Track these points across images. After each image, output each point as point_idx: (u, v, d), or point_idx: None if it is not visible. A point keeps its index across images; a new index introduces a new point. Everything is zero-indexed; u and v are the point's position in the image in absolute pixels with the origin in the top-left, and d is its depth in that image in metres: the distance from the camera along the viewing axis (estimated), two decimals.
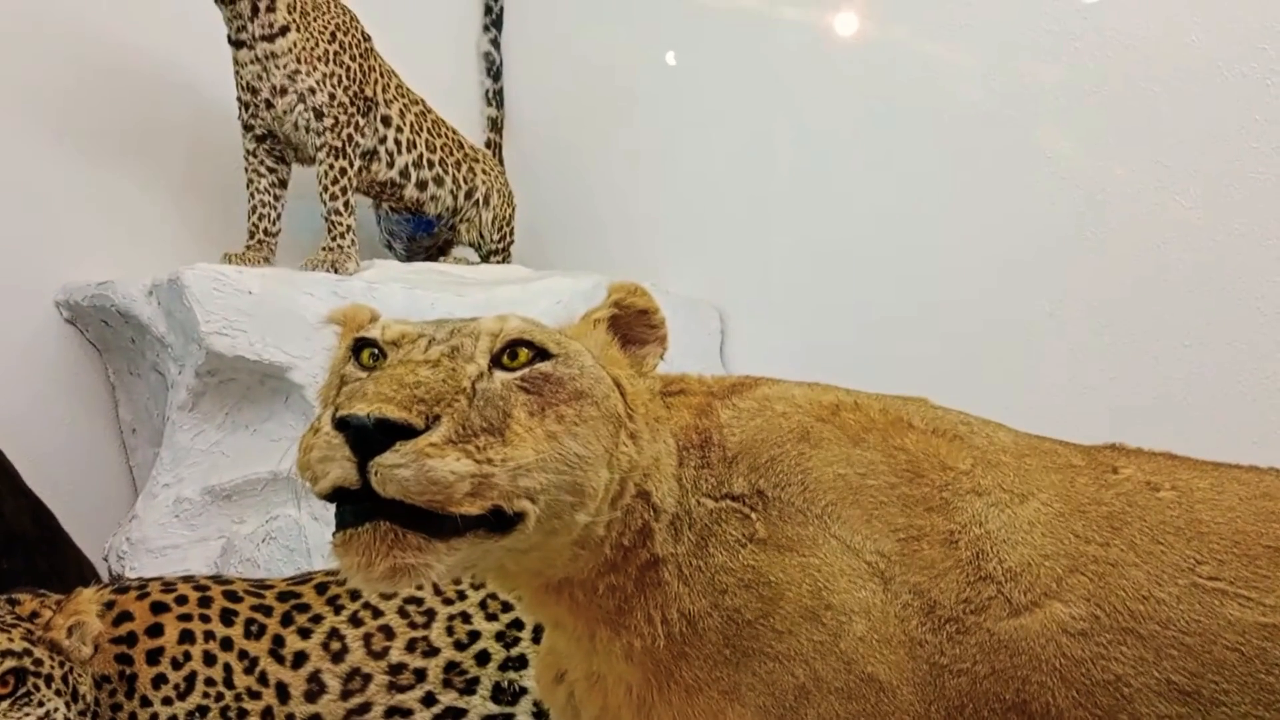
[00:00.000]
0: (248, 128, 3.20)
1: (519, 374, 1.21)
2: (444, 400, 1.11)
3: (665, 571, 1.39)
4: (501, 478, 1.12)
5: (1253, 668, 1.29)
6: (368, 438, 1.06)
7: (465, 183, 3.71)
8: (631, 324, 1.47)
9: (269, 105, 3.13)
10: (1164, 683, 1.30)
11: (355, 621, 2.06)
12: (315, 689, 1.99)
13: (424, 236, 3.76)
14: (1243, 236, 2.71)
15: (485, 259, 3.87)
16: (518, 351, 1.24)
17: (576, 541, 1.30)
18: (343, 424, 1.07)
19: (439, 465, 1.06)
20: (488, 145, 4.27)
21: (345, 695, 2.01)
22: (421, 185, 3.55)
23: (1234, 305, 2.73)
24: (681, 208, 3.92)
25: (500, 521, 1.15)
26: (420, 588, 2.13)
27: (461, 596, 2.16)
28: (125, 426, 3.27)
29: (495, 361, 1.22)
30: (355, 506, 1.10)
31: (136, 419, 3.21)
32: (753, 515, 1.42)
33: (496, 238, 3.83)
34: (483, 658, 2.13)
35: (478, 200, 3.74)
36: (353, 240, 3.21)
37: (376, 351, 1.27)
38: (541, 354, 1.25)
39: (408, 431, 1.07)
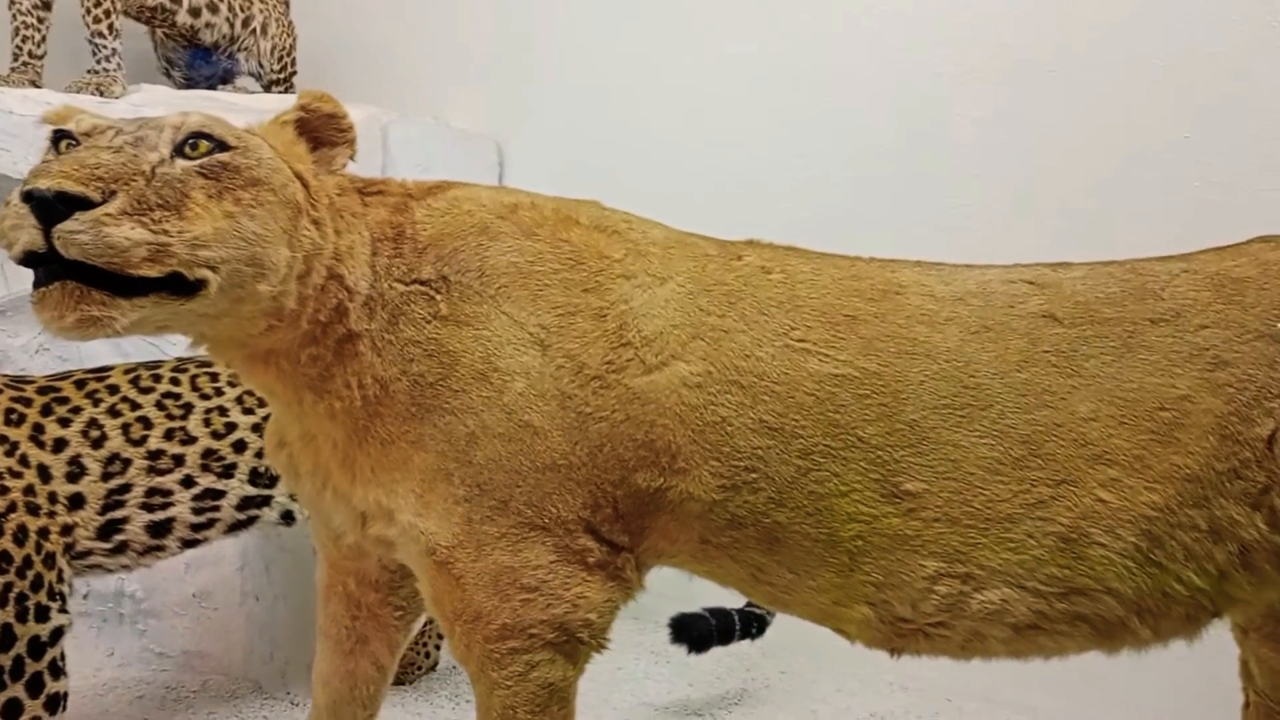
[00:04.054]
0: None
1: (198, 162, 1.41)
2: (121, 180, 1.31)
3: (361, 344, 1.64)
4: (179, 247, 1.33)
5: (824, 408, 1.62)
6: (50, 208, 1.25)
7: (242, 11, 3.72)
8: (321, 128, 1.68)
9: None
10: (758, 421, 1.63)
11: (114, 413, 2.25)
12: (76, 471, 2.18)
13: (202, 65, 3.77)
14: None
15: (267, 89, 3.92)
16: (199, 143, 1.43)
17: (268, 313, 1.53)
18: (28, 196, 1.26)
19: (114, 232, 1.27)
20: None
21: (106, 477, 2.21)
22: (194, 11, 3.56)
23: None
24: (462, 41, 4.02)
25: (183, 286, 1.37)
26: (177, 384, 2.33)
27: (219, 393, 2.37)
28: None
29: (178, 152, 1.42)
30: (48, 268, 1.29)
31: None
32: (437, 297, 1.67)
33: (277, 68, 3.87)
34: (239, 446, 2.35)
35: (255, 29, 3.76)
36: (119, 64, 3.23)
37: (73, 142, 1.44)
38: (221, 146, 1.45)
39: (86, 203, 1.27)
